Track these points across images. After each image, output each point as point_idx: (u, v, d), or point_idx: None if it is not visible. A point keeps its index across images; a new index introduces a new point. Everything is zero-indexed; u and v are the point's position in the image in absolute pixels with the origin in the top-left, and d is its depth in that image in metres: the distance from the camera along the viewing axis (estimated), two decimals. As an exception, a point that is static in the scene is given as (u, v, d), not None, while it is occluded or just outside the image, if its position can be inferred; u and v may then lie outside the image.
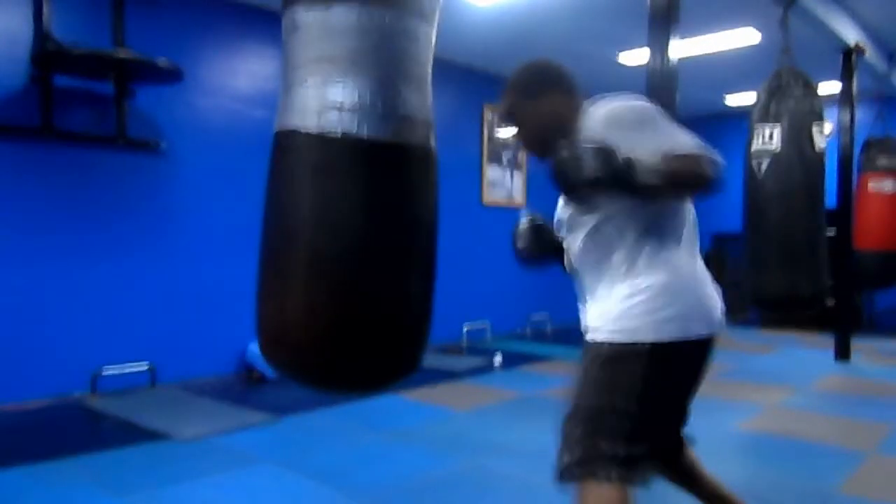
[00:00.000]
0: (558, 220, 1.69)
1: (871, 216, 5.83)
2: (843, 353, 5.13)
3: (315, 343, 1.31)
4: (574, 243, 1.63)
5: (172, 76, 3.81)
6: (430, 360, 5.04)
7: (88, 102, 3.92)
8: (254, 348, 4.46)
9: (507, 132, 1.49)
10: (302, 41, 1.31)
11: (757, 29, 5.15)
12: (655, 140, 1.43)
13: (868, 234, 5.76)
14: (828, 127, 3.85)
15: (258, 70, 4.67)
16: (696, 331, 1.49)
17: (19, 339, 3.65)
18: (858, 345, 5.35)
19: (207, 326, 4.36)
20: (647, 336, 1.47)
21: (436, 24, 1.42)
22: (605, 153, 1.38)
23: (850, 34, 4.96)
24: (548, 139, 1.56)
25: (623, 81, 6.64)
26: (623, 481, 1.45)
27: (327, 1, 1.27)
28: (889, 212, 5.83)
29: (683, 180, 1.43)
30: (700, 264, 1.59)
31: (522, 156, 6.78)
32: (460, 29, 5.07)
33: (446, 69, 5.80)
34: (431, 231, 1.43)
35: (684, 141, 1.46)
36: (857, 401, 3.96)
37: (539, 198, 6.91)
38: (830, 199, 3.87)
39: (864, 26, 5.27)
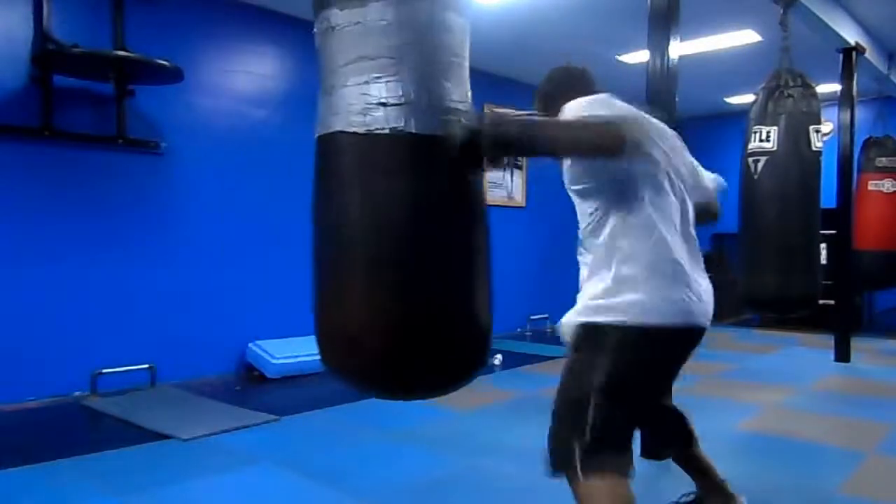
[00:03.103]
0: None
1: (871, 216, 5.83)
2: (842, 353, 5.13)
3: (381, 351, 1.27)
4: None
5: (172, 76, 3.81)
6: (430, 360, 5.05)
7: (88, 102, 3.92)
8: (254, 348, 4.46)
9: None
10: (339, 42, 1.29)
11: (756, 31, 5.15)
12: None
13: (868, 234, 5.76)
14: (827, 127, 3.86)
15: (258, 70, 4.68)
16: (656, 321, 1.54)
17: (19, 339, 3.64)
18: (858, 345, 5.35)
19: (207, 326, 4.37)
20: (609, 318, 1.55)
21: (469, 15, 1.41)
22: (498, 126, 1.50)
23: (850, 34, 4.96)
24: None
25: (623, 81, 6.65)
26: (615, 471, 1.50)
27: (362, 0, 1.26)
28: (889, 212, 5.84)
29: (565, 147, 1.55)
30: (672, 252, 1.60)
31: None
32: (460, 29, 5.07)
33: (446, 69, 5.80)
34: (484, 223, 1.40)
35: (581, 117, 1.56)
36: (857, 401, 3.96)
37: (539, 197, 6.92)
38: (830, 199, 3.88)
39: (864, 26, 5.27)
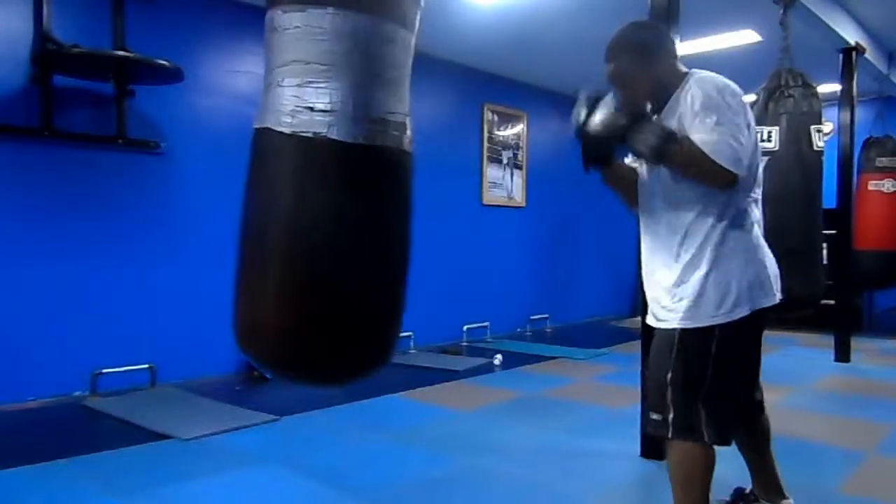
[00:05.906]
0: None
1: (871, 216, 5.83)
2: (843, 353, 5.13)
3: (283, 337, 1.35)
4: (648, 190, 1.90)
5: (172, 76, 3.81)
6: (430, 360, 5.06)
7: (88, 102, 3.92)
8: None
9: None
10: (280, 42, 1.34)
11: (756, 31, 5.15)
12: (702, 127, 1.68)
13: (868, 234, 5.76)
14: (827, 127, 3.86)
15: (258, 70, 4.65)
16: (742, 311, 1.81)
17: (19, 339, 3.64)
18: (858, 345, 5.35)
19: (207, 326, 4.35)
20: (714, 321, 1.77)
21: (416, 30, 1.43)
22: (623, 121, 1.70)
23: (850, 34, 4.96)
24: (647, 102, 1.81)
25: (623, 81, 6.66)
26: (709, 442, 1.75)
27: (303, 3, 1.29)
28: (889, 212, 5.83)
29: (681, 167, 1.73)
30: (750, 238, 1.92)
31: (522, 156, 6.78)
32: (460, 29, 5.07)
33: (446, 69, 5.80)
34: (402, 233, 1.45)
35: (716, 141, 1.66)
36: (857, 401, 3.96)
37: (539, 197, 6.92)
38: (830, 199, 3.87)
39: (864, 26, 5.27)
